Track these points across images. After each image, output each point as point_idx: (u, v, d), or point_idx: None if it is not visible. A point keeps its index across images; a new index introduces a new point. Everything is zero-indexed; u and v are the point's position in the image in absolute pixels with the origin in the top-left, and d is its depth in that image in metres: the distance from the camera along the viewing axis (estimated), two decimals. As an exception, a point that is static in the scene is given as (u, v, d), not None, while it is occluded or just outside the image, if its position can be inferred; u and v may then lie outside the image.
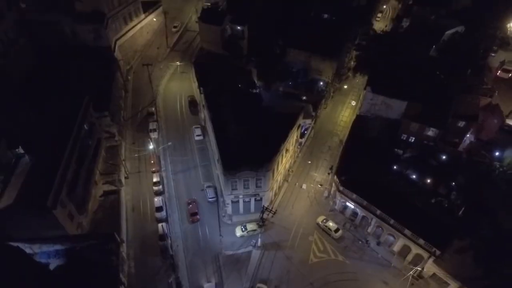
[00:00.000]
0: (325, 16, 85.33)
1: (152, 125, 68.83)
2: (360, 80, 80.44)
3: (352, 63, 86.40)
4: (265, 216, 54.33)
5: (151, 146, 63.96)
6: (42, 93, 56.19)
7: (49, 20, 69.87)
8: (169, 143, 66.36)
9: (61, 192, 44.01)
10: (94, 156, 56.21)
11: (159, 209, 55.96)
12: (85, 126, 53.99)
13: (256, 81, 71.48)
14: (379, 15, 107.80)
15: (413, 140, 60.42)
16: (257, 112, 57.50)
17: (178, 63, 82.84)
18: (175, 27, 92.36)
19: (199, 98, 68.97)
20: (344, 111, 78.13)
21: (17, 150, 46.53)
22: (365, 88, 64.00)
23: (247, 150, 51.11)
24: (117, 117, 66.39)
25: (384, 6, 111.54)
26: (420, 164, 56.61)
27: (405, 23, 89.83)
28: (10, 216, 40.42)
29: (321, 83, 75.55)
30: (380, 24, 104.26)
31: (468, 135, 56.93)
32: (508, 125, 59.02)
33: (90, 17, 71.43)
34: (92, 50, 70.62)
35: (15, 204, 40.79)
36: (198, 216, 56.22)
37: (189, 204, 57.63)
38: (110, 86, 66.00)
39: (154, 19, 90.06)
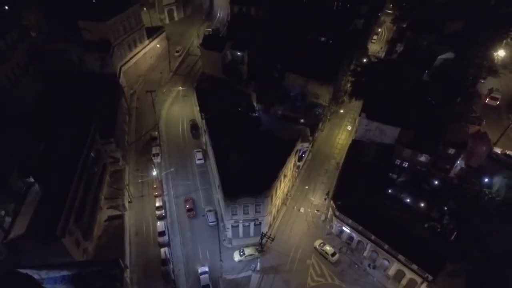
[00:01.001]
0: (322, 39, 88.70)
1: (155, 150, 71.02)
2: (356, 104, 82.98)
3: (348, 86, 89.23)
4: (263, 241, 55.99)
5: (154, 173, 66.07)
6: (51, 121, 58.61)
7: (59, 49, 73.23)
8: (172, 169, 68.41)
9: (69, 220, 46.04)
10: (100, 182, 58.38)
11: (161, 233, 57.71)
12: (91, 153, 56.36)
13: (255, 105, 73.80)
14: (375, 37, 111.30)
15: (406, 165, 62.61)
16: (257, 138, 59.89)
17: (180, 88, 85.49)
18: (177, 51, 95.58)
19: (201, 123, 71.47)
20: (340, 134, 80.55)
21: (27, 179, 48.71)
22: (360, 114, 66.48)
23: (247, 176, 53.46)
24: (121, 142, 68.59)
25: (379, 29, 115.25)
26: (413, 189, 58.75)
27: (399, 47, 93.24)
28: (22, 245, 42.42)
29: (318, 106, 78.09)
30: (376, 46, 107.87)
31: (458, 162, 59.21)
32: (496, 153, 61.35)
33: (97, 45, 74.85)
34: (98, 77, 73.44)
35: (26, 234, 42.76)
36: (194, 212, 62.24)
37: (186, 201, 63.56)
38: (115, 113, 68.50)
39: (158, 45, 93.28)
